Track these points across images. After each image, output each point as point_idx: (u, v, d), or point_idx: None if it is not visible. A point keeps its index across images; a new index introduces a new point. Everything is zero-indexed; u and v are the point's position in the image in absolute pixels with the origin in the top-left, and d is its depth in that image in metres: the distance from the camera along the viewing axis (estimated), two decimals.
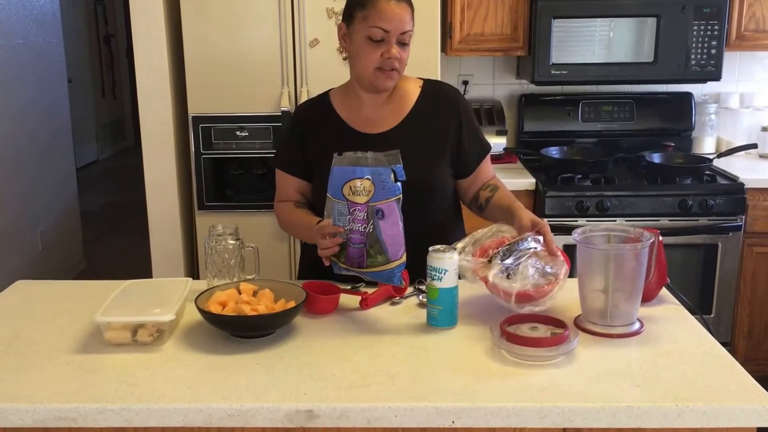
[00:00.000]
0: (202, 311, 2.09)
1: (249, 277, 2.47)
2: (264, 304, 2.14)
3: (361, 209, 2.22)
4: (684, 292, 2.39)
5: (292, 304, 2.14)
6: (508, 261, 2.21)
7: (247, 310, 2.09)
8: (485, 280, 2.23)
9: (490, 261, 2.23)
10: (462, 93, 2.71)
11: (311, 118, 2.64)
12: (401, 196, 2.19)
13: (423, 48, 3.68)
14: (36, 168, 5.64)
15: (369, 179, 2.20)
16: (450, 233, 2.55)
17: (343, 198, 2.24)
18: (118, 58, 11.65)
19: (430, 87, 2.64)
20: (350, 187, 2.23)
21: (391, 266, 2.21)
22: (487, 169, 2.69)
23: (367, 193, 2.22)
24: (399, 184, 2.20)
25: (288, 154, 2.67)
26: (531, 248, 2.25)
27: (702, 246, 3.99)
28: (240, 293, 2.21)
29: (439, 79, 3.73)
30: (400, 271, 2.20)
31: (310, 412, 1.76)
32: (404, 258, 2.21)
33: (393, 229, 2.20)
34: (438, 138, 2.56)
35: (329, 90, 2.67)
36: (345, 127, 2.57)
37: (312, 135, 2.60)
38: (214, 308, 2.12)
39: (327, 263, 2.30)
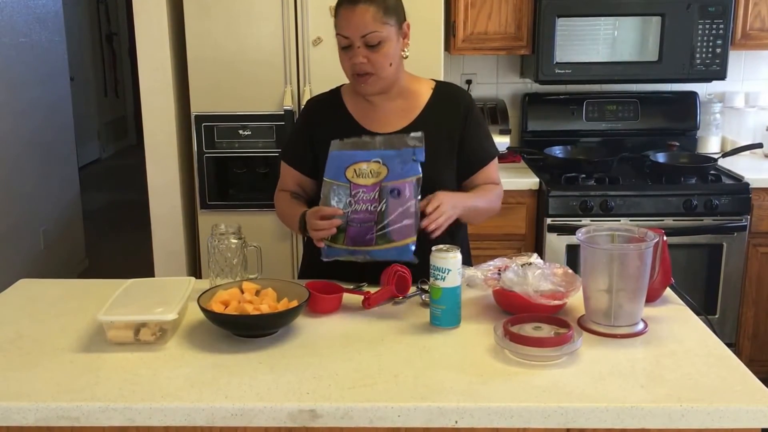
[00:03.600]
0: (204, 310, 2.08)
1: (252, 276, 2.46)
2: (267, 304, 2.13)
3: (368, 190, 2.28)
4: (688, 292, 2.39)
5: (294, 303, 2.13)
6: (521, 268, 2.23)
7: (250, 310, 2.09)
8: (497, 289, 2.25)
9: (500, 273, 2.26)
10: (470, 95, 2.70)
11: (321, 114, 2.65)
12: (421, 176, 2.28)
13: (426, 47, 3.69)
14: (38, 166, 5.64)
15: (378, 161, 2.28)
16: (452, 238, 2.54)
17: (345, 180, 2.31)
18: (121, 57, 11.65)
19: (441, 89, 2.64)
20: (355, 170, 2.31)
21: (404, 242, 2.27)
22: (488, 176, 2.67)
23: (376, 174, 2.29)
24: (419, 165, 2.27)
25: (294, 148, 2.70)
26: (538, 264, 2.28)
27: (707, 246, 3.98)
28: (243, 292, 2.21)
29: (442, 77, 3.75)
30: (413, 247, 2.24)
31: (313, 411, 1.75)
32: (415, 237, 2.28)
33: (407, 207, 2.28)
34: (446, 141, 2.55)
35: (341, 86, 2.67)
36: (355, 125, 2.57)
37: (321, 131, 2.59)
38: (217, 307, 2.11)
39: (321, 245, 2.34)
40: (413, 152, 2.33)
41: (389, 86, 2.52)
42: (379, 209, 2.29)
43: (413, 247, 2.25)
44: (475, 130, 2.62)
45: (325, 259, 2.40)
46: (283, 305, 2.14)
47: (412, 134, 2.36)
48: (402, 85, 2.58)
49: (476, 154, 2.63)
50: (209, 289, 2.22)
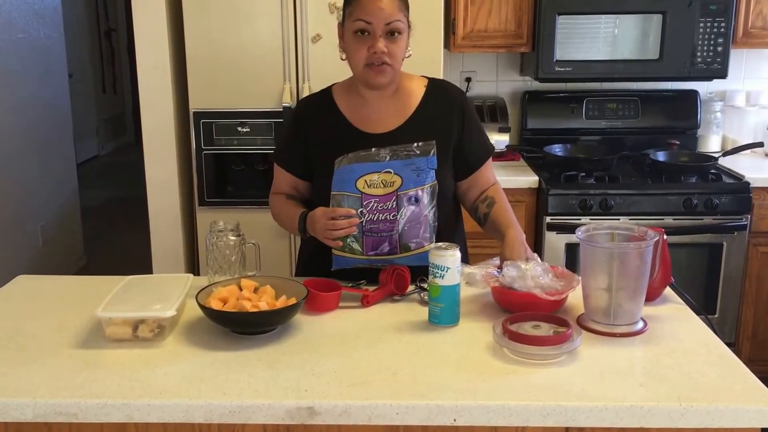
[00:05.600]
0: (203, 307, 2.08)
1: (250, 273, 2.45)
2: (265, 301, 2.13)
3: (381, 200, 2.33)
4: (688, 291, 2.38)
5: (293, 300, 2.13)
6: (520, 265, 2.23)
7: (248, 307, 2.09)
8: (495, 287, 2.25)
9: (499, 270, 2.27)
10: (466, 93, 2.68)
11: (313, 115, 2.61)
12: (436, 183, 2.36)
13: (426, 44, 3.68)
14: (37, 163, 5.63)
15: (390, 171, 2.32)
16: (450, 236, 2.53)
17: (356, 191, 2.33)
18: (119, 53, 11.62)
19: (434, 87, 2.61)
20: (365, 181, 2.33)
21: (423, 249, 2.34)
22: (487, 173, 2.66)
23: (389, 184, 2.33)
24: (433, 172, 2.35)
25: (286, 151, 2.66)
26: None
27: (707, 245, 3.97)
28: (241, 290, 2.20)
29: (441, 75, 3.74)
30: None
31: (311, 408, 1.75)
32: (432, 243, 2.32)
33: (427, 213, 2.36)
34: (441, 139, 2.50)
35: (332, 85, 2.63)
36: (347, 125, 2.54)
37: (313, 132, 2.57)
38: (215, 304, 2.11)
39: (339, 244, 2.35)
40: (427, 160, 2.36)
41: (394, 81, 2.50)
42: (398, 218, 2.33)
43: None
44: (473, 129, 2.60)
45: (335, 269, 2.40)
46: (282, 303, 2.14)
47: (423, 143, 2.38)
48: (396, 83, 2.55)
49: (475, 153, 2.61)
50: (207, 286, 2.22)
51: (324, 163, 2.43)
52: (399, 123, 2.53)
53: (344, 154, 2.37)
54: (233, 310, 2.10)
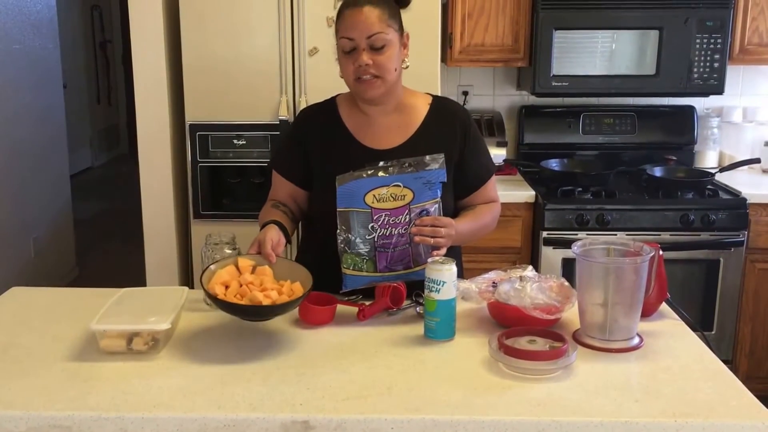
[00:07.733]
0: (218, 301, 2.09)
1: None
2: (274, 289, 2.15)
3: (393, 214, 2.32)
4: (685, 307, 2.38)
5: (297, 285, 2.18)
6: (516, 283, 2.23)
7: (261, 297, 2.09)
8: (491, 302, 2.24)
9: (495, 285, 2.26)
10: (467, 111, 2.67)
11: (316, 125, 2.59)
12: (439, 198, 2.35)
13: (423, 58, 3.67)
14: (30, 174, 5.62)
15: (399, 185, 2.31)
16: (446, 251, 2.52)
17: (365, 206, 2.32)
18: (114, 64, 11.62)
19: (438, 104, 2.60)
20: (374, 195, 2.32)
21: None
22: (488, 194, 2.65)
23: (400, 198, 2.32)
24: (441, 185, 2.35)
25: (286, 158, 2.64)
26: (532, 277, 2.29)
27: (703, 261, 3.97)
28: (240, 272, 2.21)
29: (438, 89, 3.74)
30: None
31: (306, 423, 1.74)
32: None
33: None
34: (444, 158, 2.51)
35: (337, 96, 2.63)
36: (351, 140, 2.53)
37: (315, 143, 2.56)
38: (219, 289, 2.12)
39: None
40: (438, 173, 2.36)
41: (390, 94, 2.48)
42: (409, 232, 2.33)
43: None
44: (475, 149, 2.59)
45: (347, 289, 2.39)
46: (287, 288, 2.17)
47: (434, 155, 2.37)
48: (399, 99, 2.54)
49: (476, 173, 2.60)
50: (206, 269, 2.22)
51: (324, 174, 2.42)
52: (402, 140, 2.52)
53: (345, 168, 2.36)
54: (248, 304, 2.10)
